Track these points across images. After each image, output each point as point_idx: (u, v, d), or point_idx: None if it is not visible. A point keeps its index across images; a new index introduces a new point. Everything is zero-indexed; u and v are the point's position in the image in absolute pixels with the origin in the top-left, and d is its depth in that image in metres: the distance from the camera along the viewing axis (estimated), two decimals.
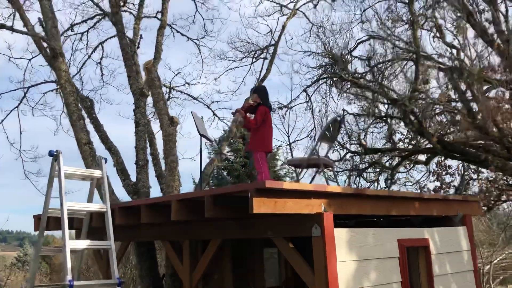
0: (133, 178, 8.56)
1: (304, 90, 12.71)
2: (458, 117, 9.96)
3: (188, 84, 13.93)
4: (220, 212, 4.03)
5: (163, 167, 10.13)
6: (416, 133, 11.18)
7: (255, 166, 6.27)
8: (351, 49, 13.34)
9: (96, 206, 4.84)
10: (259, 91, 6.48)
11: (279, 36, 14.04)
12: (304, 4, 15.47)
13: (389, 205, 4.77)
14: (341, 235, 4.06)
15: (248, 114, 6.46)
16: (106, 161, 5.15)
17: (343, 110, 11.07)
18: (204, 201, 3.99)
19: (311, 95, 12.65)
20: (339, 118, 5.97)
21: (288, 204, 3.84)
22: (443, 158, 11.45)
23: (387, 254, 4.44)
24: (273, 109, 9.54)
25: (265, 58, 13.69)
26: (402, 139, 13.35)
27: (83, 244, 4.57)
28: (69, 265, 4.25)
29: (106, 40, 13.25)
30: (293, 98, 13.15)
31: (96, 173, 5.01)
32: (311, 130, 13.24)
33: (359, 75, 11.95)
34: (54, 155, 4.82)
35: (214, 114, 13.98)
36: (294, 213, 3.96)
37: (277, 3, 15.56)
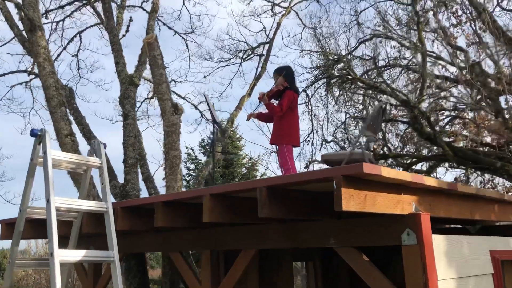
0: (121, 179, 7.34)
1: (304, 91, 11.72)
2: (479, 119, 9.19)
3: (175, 81, 12.75)
4: (278, 211, 2.93)
5: (151, 170, 8.93)
6: (427, 140, 10.36)
7: (280, 162, 5.19)
8: (352, 49, 12.54)
9: (93, 204, 3.62)
10: (285, 72, 5.42)
11: (274, 34, 13.09)
12: (298, 2, 14.65)
13: (473, 206, 3.77)
14: (439, 244, 3.01)
15: (271, 101, 5.40)
16: (105, 147, 3.96)
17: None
18: (257, 195, 2.87)
19: (311, 96, 11.68)
20: (383, 106, 4.95)
21: (379, 200, 2.77)
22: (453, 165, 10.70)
23: (482, 269, 3.42)
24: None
25: (261, 55, 12.66)
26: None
27: (77, 255, 3.35)
28: (58, 283, 3.04)
29: (85, 29, 11.99)
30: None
31: (94, 161, 3.80)
32: (308, 134, 12.27)
33: (367, 76, 11.08)
34: (38, 135, 3.61)
35: (202, 116, 12.84)
36: (379, 214, 2.91)
37: (269, 1, 14.66)
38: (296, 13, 14.48)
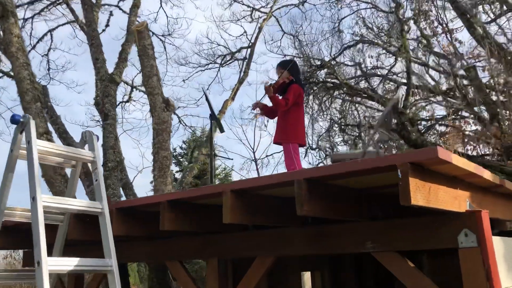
0: None
1: None
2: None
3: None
4: (318, 208, 2.47)
5: (130, 176, 8.33)
6: (413, 146, 10.15)
7: (286, 163, 4.75)
8: (335, 55, 12.30)
9: (86, 204, 3.07)
10: (290, 66, 5.01)
11: (256, 38, 12.76)
12: (278, 8, 14.39)
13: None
14: (498, 246, 2.62)
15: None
16: (98, 139, 3.42)
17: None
18: (296, 189, 2.41)
19: None
20: (396, 102, 4.60)
21: (440, 195, 2.35)
22: None
23: None
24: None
25: (243, 59, 12.26)
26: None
27: (69, 264, 2.78)
28: None
29: (57, 27, 11.30)
30: None
31: (86, 154, 3.26)
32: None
33: (355, 81, 10.82)
34: (20, 122, 3.06)
35: (180, 121, 12.28)
36: (425, 213, 2.51)
37: (248, 6, 14.33)
38: (276, 19, 14.21)
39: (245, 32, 13.20)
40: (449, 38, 13.49)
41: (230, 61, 13.72)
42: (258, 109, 5.29)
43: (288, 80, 4.88)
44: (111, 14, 8.55)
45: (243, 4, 14.33)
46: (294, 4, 14.25)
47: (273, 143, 5.05)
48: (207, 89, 13.96)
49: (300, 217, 3.23)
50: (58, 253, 3.42)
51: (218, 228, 3.36)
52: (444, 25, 13.69)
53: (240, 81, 11.12)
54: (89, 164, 3.31)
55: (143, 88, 11.57)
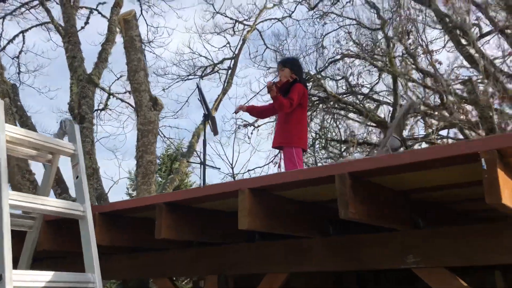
0: (73, 193, 6.06)
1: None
2: None
3: (130, 93, 11.51)
4: (362, 212, 1.98)
5: (105, 187, 7.68)
6: None
7: (288, 169, 4.26)
8: (320, 69, 11.99)
9: (64, 204, 2.49)
10: (292, 64, 4.57)
11: (240, 49, 12.36)
12: (262, 22, 14.08)
13: None
14: None
15: None
16: (84, 118, 2.86)
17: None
18: (337, 186, 1.92)
19: None
20: (410, 104, 4.22)
21: None
22: None
23: None
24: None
25: (228, 68, 11.81)
26: None
27: (41, 278, 2.19)
28: None
29: (30, 28, 10.62)
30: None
31: (66, 146, 2.69)
32: (275, 156, 11.41)
33: (343, 95, 10.50)
34: None
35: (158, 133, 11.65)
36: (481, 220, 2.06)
37: (231, 19, 13.98)
38: (259, 32, 13.89)
39: (228, 43, 12.80)
40: (429, 59, 13.48)
41: (211, 72, 13.27)
42: (241, 111, 4.79)
43: (291, 79, 4.43)
44: (91, 11, 7.99)
45: (226, 16, 13.98)
46: (277, 19, 13.99)
47: (272, 147, 4.56)
48: (186, 100, 13.44)
49: (320, 225, 2.74)
50: (25, 265, 2.81)
51: (222, 238, 2.83)
52: (424, 46, 13.66)
53: (224, 92, 10.65)
54: (70, 159, 2.73)
55: (121, 96, 10.98)
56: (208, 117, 4.29)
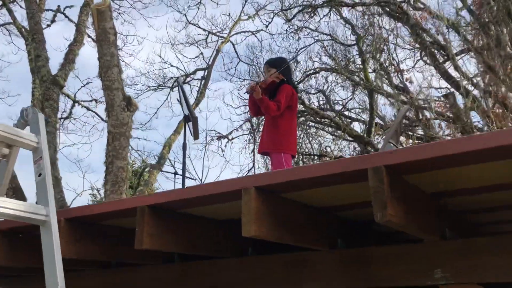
0: (32, 199, 5.51)
1: (249, 120, 10.56)
2: None
3: (96, 101, 10.93)
4: (401, 213, 1.62)
5: (67, 199, 7.11)
6: None
7: None
8: (296, 82, 11.77)
9: (21, 206, 2.02)
10: (279, 63, 4.24)
11: (214, 60, 12.02)
12: (236, 34, 13.82)
13: None
14: None
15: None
16: (47, 122, 2.41)
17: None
18: (371, 182, 1.56)
19: (256, 128, 10.53)
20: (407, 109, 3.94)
21: None
22: None
23: None
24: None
25: (202, 78, 11.41)
26: None
27: None
28: None
29: None
30: (235, 128, 10.84)
31: (27, 137, 2.23)
32: (248, 170, 11.02)
33: (319, 108, 10.26)
34: None
35: None
36: None
37: (204, 30, 13.65)
38: (233, 44, 13.61)
39: (201, 53, 12.44)
40: (400, 77, 13.56)
41: (183, 83, 12.83)
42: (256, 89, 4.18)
43: (278, 80, 4.09)
44: (58, 9, 7.46)
45: (199, 27, 13.64)
46: (251, 32, 13.77)
47: (259, 153, 4.18)
48: (154, 112, 12.92)
49: (328, 237, 2.37)
50: None
51: (215, 251, 2.41)
52: (395, 65, 13.76)
53: (197, 102, 10.24)
54: (32, 153, 2.27)
55: (86, 104, 10.38)
56: (190, 118, 3.89)
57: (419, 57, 14.33)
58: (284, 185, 1.84)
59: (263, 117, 4.46)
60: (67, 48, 6.69)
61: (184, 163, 3.77)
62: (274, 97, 3.98)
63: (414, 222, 1.77)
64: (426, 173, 1.73)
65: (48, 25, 7.41)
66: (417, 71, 15.15)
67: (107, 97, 4.63)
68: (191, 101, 11.12)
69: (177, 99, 3.96)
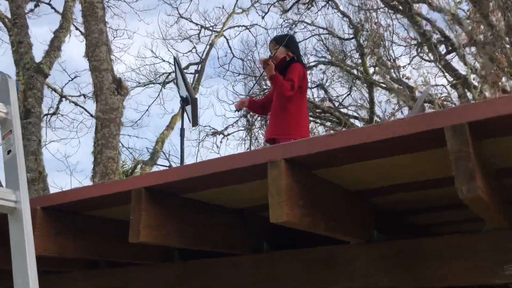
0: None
1: (245, 116, 10.13)
2: None
3: (85, 96, 10.43)
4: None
5: (51, 188, 6.62)
6: None
7: None
8: None
9: None
10: (288, 41, 3.85)
11: (207, 54, 11.59)
12: (229, 28, 13.41)
13: None
14: None
15: None
16: (18, 88, 1.98)
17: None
18: (447, 142, 1.15)
19: (253, 122, 10.11)
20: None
21: None
22: None
23: None
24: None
25: (195, 72, 10.96)
26: None
27: None
28: None
29: None
30: (231, 124, 10.40)
31: None
32: None
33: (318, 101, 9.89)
34: None
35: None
36: None
37: (197, 24, 13.21)
38: (227, 39, 13.19)
39: (194, 47, 11.99)
40: (397, 73, 13.26)
41: (175, 79, 12.40)
42: (243, 109, 4.09)
43: (288, 57, 3.69)
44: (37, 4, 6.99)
45: (191, 21, 13.20)
46: (245, 26, 13.37)
47: (266, 140, 3.77)
48: (146, 109, 12.46)
49: (362, 227, 1.96)
50: None
51: (223, 246, 1.99)
52: (392, 61, 13.46)
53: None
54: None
55: (74, 99, 9.89)
56: (188, 101, 3.47)
57: (416, 54, 14.08)
58: (322, 156, 1.42)
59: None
60: (53, 35, 6.23)
61: (182, 150, 3.36)
62: (283, 76, 3.60)
63: (495, 200, 1.37)
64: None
65: (32, 10, 6.93)
66: (413, 68, 14.91)
67: (94, 79, 4.15)
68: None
69: (173, 81, 3.52)
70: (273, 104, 3.71)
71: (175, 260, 2.34)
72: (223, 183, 1.65)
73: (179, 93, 3.65)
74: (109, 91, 4.01)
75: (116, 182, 1.71)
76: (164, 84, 12.60)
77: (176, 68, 3.44)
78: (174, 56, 3.59)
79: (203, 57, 11.44)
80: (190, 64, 11.93)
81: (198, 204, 1.88)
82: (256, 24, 13.16)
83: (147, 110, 12.51)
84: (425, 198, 1.99)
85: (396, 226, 2.38)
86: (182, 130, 3.55)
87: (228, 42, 13.10)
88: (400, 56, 17.29)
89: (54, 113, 9.89)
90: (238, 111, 4.04)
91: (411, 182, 1.71)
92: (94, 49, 4.19)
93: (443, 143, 1.24)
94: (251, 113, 9.92)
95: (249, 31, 13.37)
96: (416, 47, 13.85)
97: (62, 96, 9.32)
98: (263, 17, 10.93)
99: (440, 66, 10.48)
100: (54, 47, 6.11)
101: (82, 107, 9.81)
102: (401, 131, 1.26)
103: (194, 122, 3.64)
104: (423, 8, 11.10)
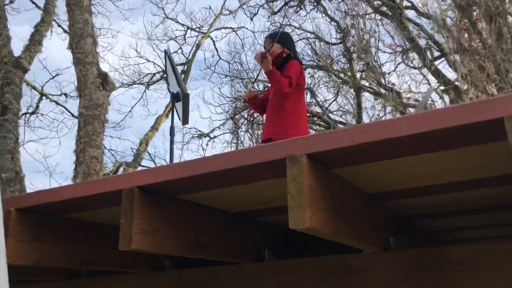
0: None
1: (231, 118, 9.90)
2: None
3: (66, 95, 10.07)
4: None
5: (29, 190, 6.29)
6: None
7: None
8: None
9: None
10: (284, 38, 3.67)
11: (193, 55, 11.37)
12: (216, 30, 13.20)
13: None
14: None
15: None
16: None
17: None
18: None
19: (240, 125, 9.89)
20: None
21: None
22: None
23: None
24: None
25: (182, 72, 10.69)
26: None
27: None
28: None
29: None
30: (217, 126, 10.17)
31: None
32: None
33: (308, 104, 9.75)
34: None
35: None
36: None
37: (183, 25, 12.97)
38: (213, 42, 12.98)
39: (180, 48, 11.74)
40: (383, 80, 13.25)
41: (161, 79, 12.11)
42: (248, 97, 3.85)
43: (285, 54, 3.51)
44: None
45: (177, 22, 12.96)
46: (231, 28, 13.19)
47: (262, 141, 3.57)
48: (129, 111, 12.14)
49: (378, 233, 1.77)
50: None
51: (223, 254, 1.77)
52: (378, 67, 13.45)
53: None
54: None
55: (55, 98, 9.53)
56: (180, 97, 3.25)
57: (401, 61, 14.13)
58: (348, 152, 1.22)
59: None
60: (33, 29, 5.93)
61: (171, 150, 3.13)
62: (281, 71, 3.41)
63: None
64: None
65: (11, 1, 6.61)
66: (398, 75, 14.97)
67: (78, 73, 3.87)
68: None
69: (162, 77, 3.29)
70: (270, 102, 3.52)
71: (166, 268, 2.12)
72: (229, 182, 1.44)
73: (169, 89, 3.42)
74: (93, 85, 3.72)
75: (104, 180, 1.48)
76: (148, 85, 12.33)
77: (166, 61, 3.22)
78: (165, 49, 3.36)
79: (189, 57, 11.22)
80: (177, 64, 11.68)
81: (196, 207, 1.66)
82: (243, 27, 13.00)
83: (130, 111, 12.21)
84: (451, 201, 1.81)
85: (413, 232, 2.19)
86: (172, 128, 3.33)
87: (214, 44, 12.90)
88: (385, 63, 17.36)
89: (33, 112, 9.52)
90: (246, 102, 3.83)
91: (442, 184, 1.53)
92: (78, 40, 3.90)
93: (496, 137, 1.06)
94: (246, 111, 9.72)
95: (236, 33, 13.20)
96: (401, 54, 13.89)
97: (42, 95, 8.96)
98: (251, 18, 10.75)
99: (424, 74, 10.49)
100: (35, 41, 5.80)
101: (63, 106, 9.48)
102: (447, 122, 1.07)
103: (185, 120, 3.42)
104: (411, 15, 11.08)
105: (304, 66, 11.87)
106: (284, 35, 3.71)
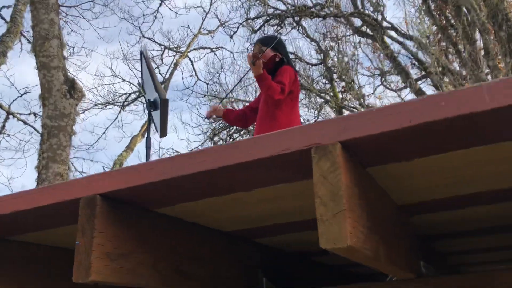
0: None
1: (211, 139, 9.51)
2: None
3: (35, 115, 9.53)
4: None
5: None
6: None
7: None
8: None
9: None
10: (277, 43, 3.36)
11: (171, 74, 11.02)
12: (194, 50, 12.94)
13: None
14: None
15: None
16: None
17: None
18: None
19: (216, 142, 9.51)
20: None
21: None
22: None
23: None
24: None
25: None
26: None
27: None
28: None
29: None
30: (195, 147, 9.78)
31: None
32: None
33: None
34: None
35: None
36: None
37: (161, 45, 12.66)
38: (191, 61, 12.68)
39: (157, 67, 11.38)
40: (362, 102, 13.19)
41: (136, 99, 11.69)
42: (213, 117, 3.56)
43: (278, 58, 3.18)
44: None
45: (154, 41, 12.63)
46: (210, 48, 12.95)
47: None
48: (103, 132, 11.63)
49: (408, 255, 1.40)
50: None
51: (207, 284, 1.38)
52: (357, 89, 13.43)
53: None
54: None
55: (23, 117, 8.98)
56: (157, 105, 2.88)
57: (380, 83, 14.14)
58: (400, 138, 0.86)
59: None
60: None
61: (148, 155, 2.74)
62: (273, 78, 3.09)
63: None
64: None
65: None
66: (376, 97, 15.04)
67: (42, 79, 3.39)
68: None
69: (138, 83, 2.92)
70: (260, 112, 3.17)
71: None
72: (224, 187, 1.06)
73: (145, 97, 3.05)
74: (59, 93, 3.26)
75: (54, 187, 1.08)
76: (123, 105, 11.89)
77: (142, 64, 2.86)
78: (141, 50, 3.00)
79: (166, 77, 10.87)
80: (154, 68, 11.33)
81: (178, 224, 1.27)
82: (222, 47, 12.76)
83: (104, 132, 11.73)
84: (476, 217, 1.47)
85: (433, 255, 1.84)
86: (148, 140, 2.95)
87: (192, 64, 12.61)
88: (364, 85, 17.40)
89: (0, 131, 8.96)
90: (208, 119, 3.49)
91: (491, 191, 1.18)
92: (43, 42, 3.42)
93: None
94: (219, 122, 9.35)
95: (215, 54, 12.95)
96: (379, 76, 13.88)
97: (9, 114, 8.43)
98: (231, 36, 10.48)
99: (400, 96, 10.43)
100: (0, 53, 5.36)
101: (32, 127, 8.94)
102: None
103: (163, 131, 3.04)
104: (393, 34, 11.02)
105: None
106: (275, 40, 3.40)
